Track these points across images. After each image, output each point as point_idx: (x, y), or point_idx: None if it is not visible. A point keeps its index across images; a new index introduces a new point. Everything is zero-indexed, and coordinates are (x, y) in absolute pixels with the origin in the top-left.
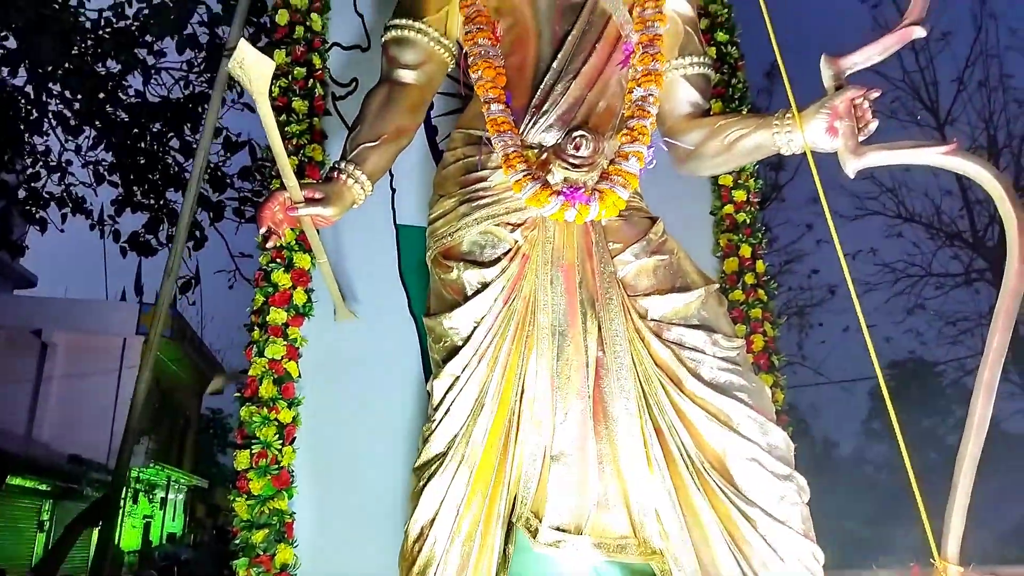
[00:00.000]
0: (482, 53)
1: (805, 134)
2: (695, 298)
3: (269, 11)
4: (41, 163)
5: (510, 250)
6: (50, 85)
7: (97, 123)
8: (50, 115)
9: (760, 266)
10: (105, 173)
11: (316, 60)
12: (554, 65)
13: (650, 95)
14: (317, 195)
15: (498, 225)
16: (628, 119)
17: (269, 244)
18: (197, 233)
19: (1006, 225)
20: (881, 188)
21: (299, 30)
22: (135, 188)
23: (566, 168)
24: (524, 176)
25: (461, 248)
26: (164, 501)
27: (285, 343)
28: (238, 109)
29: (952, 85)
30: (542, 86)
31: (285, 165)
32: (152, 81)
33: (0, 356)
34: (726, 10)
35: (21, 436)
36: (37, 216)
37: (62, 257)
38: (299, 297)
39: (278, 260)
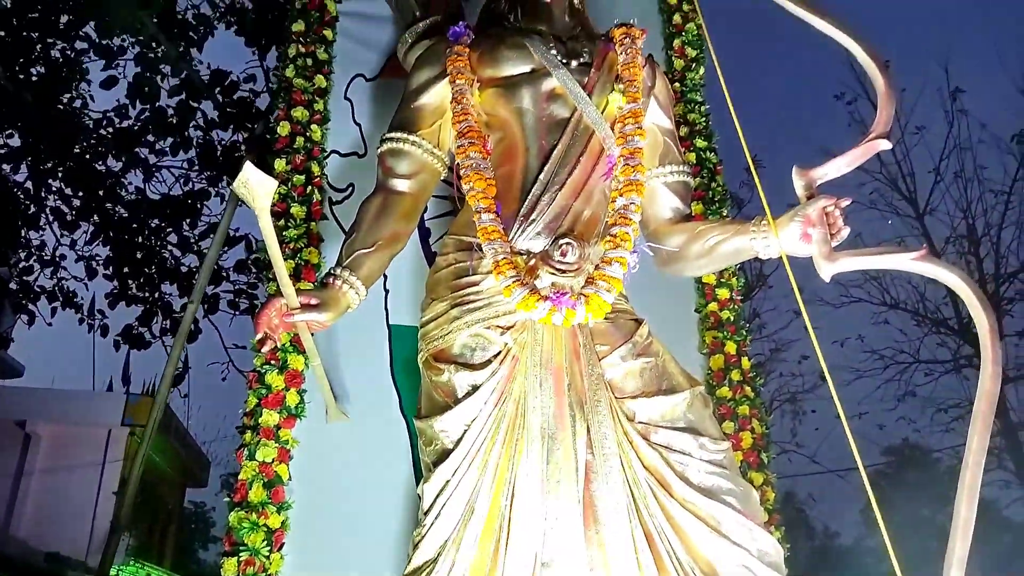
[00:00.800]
0: (473, 165)
1: (781, 240)
2: (681, 400)
3: (271, 122)
4: (35, 257)
5: (500, 352)
6: (50, 181)
7: (95, 218)
8: (48, 211)
9: (745, 363)
10: (99, 267)
11: (315, 168)
12: (541, 177)
13: (632, 204)
14: (313, 301)
15: (488, 328)
16: (611, 227)
17: (265, 349)
18: (192, 326)
19: (978, 329)
20: (865, 275)
21: (299, 140)
22: (130, 281)
23: (553, 273)
24: (513, 281)
25: (452, 351)
26: None
27: (277, 445)
28: (229, 190)
29: (929, 176)
30: (530, 196)
31: (283, 274)
32: (152, 179)
33: None
34: (704, 119)
35: None
36: (27, 308)
37: (50, 347)
38: (292, 399)
39: (272, 362)
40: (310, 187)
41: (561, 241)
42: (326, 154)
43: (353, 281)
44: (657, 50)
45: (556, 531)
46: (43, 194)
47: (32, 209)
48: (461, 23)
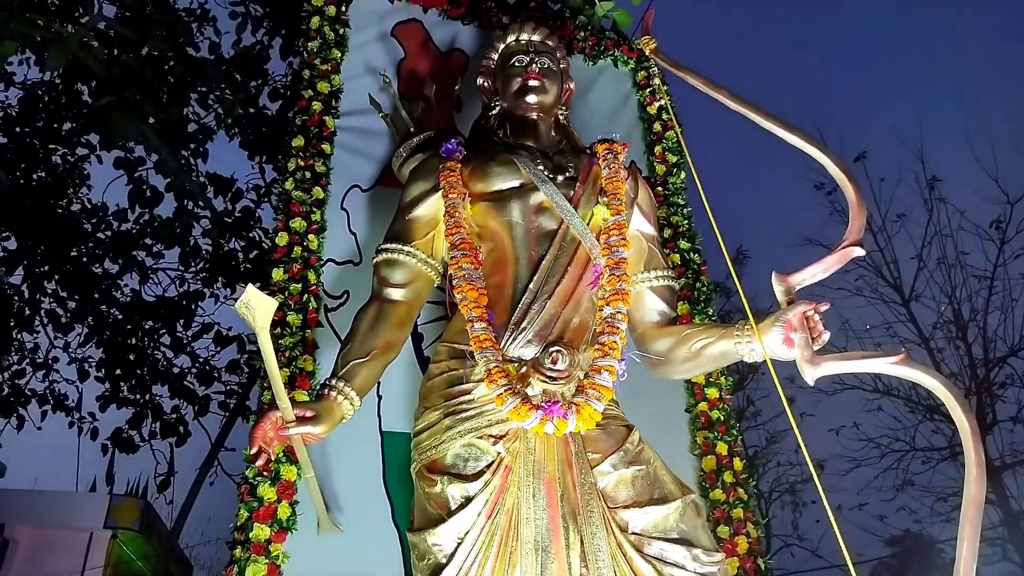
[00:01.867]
0: (466, 276)
1: (764, 344)
2: (673, 510)
3: (271, 233)
4: (27, 360)
5: (493, 463)
6: (45, 284)
7: (89, 320)
8: (42, 313)
9: (738, 464)
10: (91, 369)
11: (311, 276)
12: (531, 286)
13: (618, 312)
14: (308, 414)
15: (481, 438)
16: (600, 335)
17: (259, 462)
18: (180, 428)
19: (960, 433)
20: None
21: (297, 250)
22: (121, 384)
23: (544, 381)
24: (506, 390)
25: (445, 461)
26: None
27: (267, 561)
28: (230, 304)
29: (912, 263)
30: (520, 305)
31: (279, 387)
32: (148, 280)
33: None
34: (687, 221)
35: None
36: (17, 412)
37: (34, 448)
38: (283, 511)
39: (264, 473)
40: (306, 295)
41: (551, 349)
42: (322, 262)
43: (348, 392)
44: (639, 155)
45: None
46: (38, 296)
47: (27, 312)
48: (453, 140)
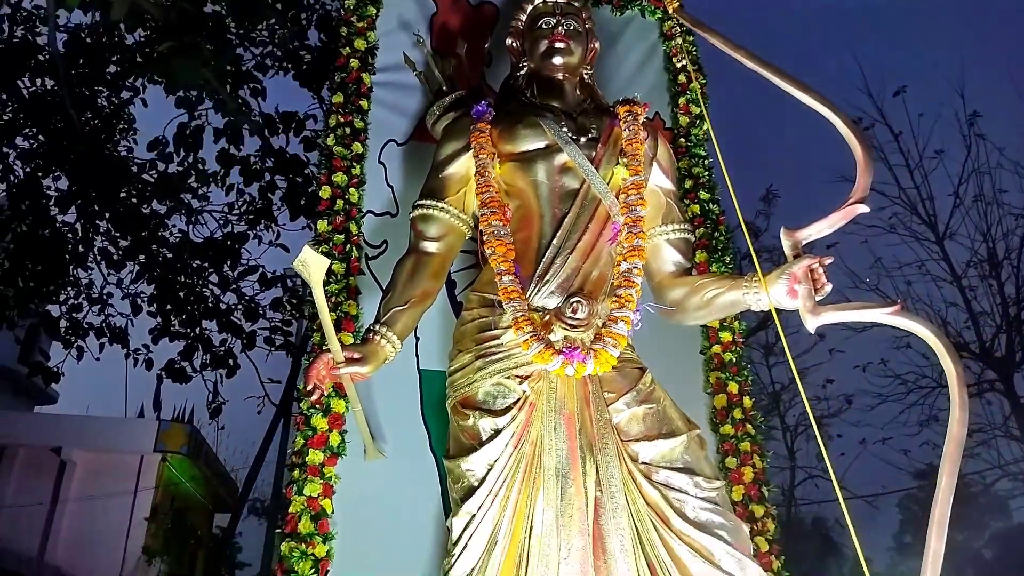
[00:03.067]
0: (495, 232)
1: (770, 295)
2: (679, 443)
3: (314, 186)
4: (84, 295)
5: (519, 400)
6: (97, 223)
7: (140, 258)
8: (95, 251)
9: (747, 402)
10: (144, 305)
11: (353, 227)
12: (554, 242)
13: (634, 268)
14: (356, 355)
15: (508, 378)
16: (617, 288)
17: (313, 397)
18: (230, 361)
19: (948, 377)
20: (886, 300)
21: (339, 203)
22: (172, 318)
23: (566, 328)
24: (531, 337)
25: (477, 398)
26: None
27: (322, 481)
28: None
29: (949, 200)
30: (544, 259)
31: (331, 332)
32: (195, 221)
33: (20, 475)
34: (707, 172)
35: (34, 559)
36: (75, 345)
37: (83, 375)
38: (334, 439)
39: (317, 406)
40: (349, 245)
41: (572, 299)
42: (362, 214)
43: (390, 336)
44: (663, 106)
45: (568, 561)
46: (91, 235)
47: (81, 249)
48: (484, 102)
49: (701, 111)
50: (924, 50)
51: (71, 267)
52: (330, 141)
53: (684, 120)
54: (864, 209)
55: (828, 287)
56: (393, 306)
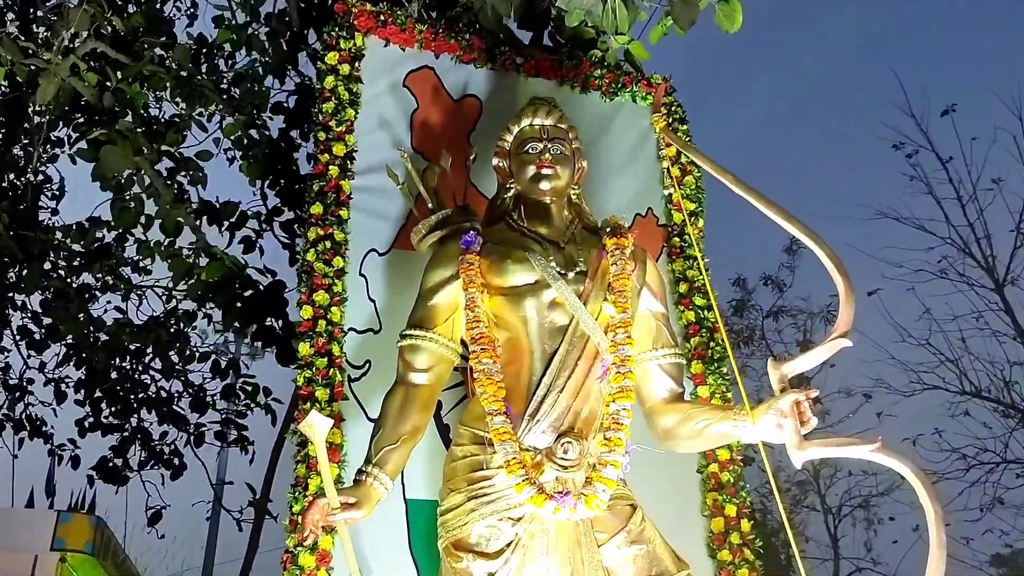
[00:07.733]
0: (486, 371)
1: (757, 430)
2: None
3: (296, 305)
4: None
5: (511, 542)
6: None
7: (69, 338)
8: (13, 329)
9: (745, 525)
10: (70, 391)
11: (335, 349)
12: (544, 379)
13: (623, 409)
14: (351, 500)
15: (501, 520)
16: (606, 430)
17: (308, 542)
18: (176, 461)
19: (927, 516)
20: (940, 358)
21: (321, 324)
22: (104, 407)
23: (557, 469)
24: (523, 480)
25: (469, 540)
26: None
27: None
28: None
29: (1009, 238)
30: (535, 398)
31: (329, 481)
32: (128, 298)
33: None
34: (702, 276)
35: None
36: None
37: None
38: None
39: (303, 544)
40: (332, 369)
41: (563, 439)
42: (344, 333)
43: (382, 477)
44: (657, 200)
45: None
46: (6, 311)
47: None
48: (472, 232)
49: (696, 207)
50: (973, 67)
51: None
52: (310, 256)
53: (678, 217)
54: (847, 343)
55: (813, 422)
56: (384, 445)
